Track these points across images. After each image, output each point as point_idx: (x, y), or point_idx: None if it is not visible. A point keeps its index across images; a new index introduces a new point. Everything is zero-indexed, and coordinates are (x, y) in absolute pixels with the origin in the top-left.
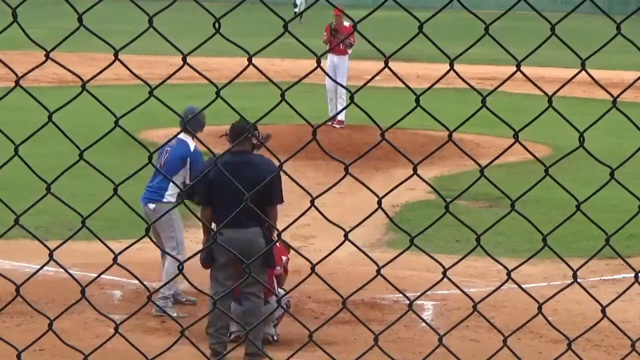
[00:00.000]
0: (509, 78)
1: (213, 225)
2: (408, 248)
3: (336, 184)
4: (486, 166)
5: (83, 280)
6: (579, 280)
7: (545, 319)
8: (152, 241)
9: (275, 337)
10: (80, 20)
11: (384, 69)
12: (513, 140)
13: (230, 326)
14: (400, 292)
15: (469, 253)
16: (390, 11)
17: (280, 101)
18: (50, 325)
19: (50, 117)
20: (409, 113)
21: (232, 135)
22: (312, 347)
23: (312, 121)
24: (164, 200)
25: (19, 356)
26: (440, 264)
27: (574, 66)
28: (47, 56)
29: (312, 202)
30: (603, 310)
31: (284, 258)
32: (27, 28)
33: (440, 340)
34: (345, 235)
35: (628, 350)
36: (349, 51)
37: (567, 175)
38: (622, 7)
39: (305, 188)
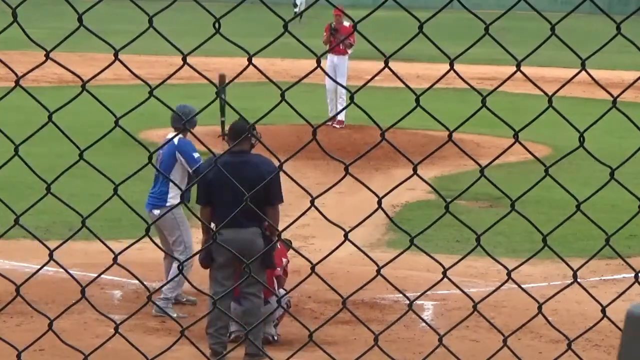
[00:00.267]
0: (509, 78)
1: (212, 225)
2: (408, 248)
3: (336, 184)
4: (486, 166)
5: (83, 280)
6: (579, 280)
7: (545, 319)
8: (154, 243)
9: (275, 337)
10: (80, 20)
11: (384, 69)
12: (513, 140)
13: (230, 326)
14: (400, 292)
15: (469, 253)
16: (390, 11)
17: (280, 101)
18: (50, 325)
19: (50, 117)
20: (409, 113)
21: (232, 135)
22: (312, 347)
23: (312, 121)
24: (167, 204)
25: (19, 356)
26: (440, 264)
27: (574, 66)
28: (47, 56)
29: (312, 202)
30: (603, 310)
31: (284, 260)
32: (27, 28)
33: (440, 340)
34: (345, 235)
35: None
36: (349, 51)
37: (567, 175)
38: (622, 7)
39: (305, 188)
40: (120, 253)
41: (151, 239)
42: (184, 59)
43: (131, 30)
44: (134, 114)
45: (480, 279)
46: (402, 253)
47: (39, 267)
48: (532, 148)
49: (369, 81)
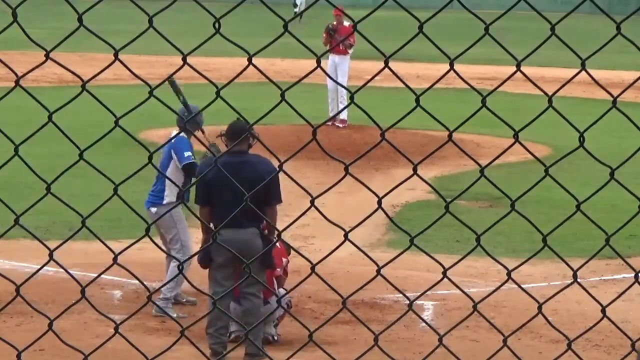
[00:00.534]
0: (509, 78)
1: (211, 225)
2: (408, 248)
3: (336, 184)
4: (486, 166)
5: (83, 280)
6: (579, 280)
7: (545, 319)
8: (154, 243)
9: (275, 337)
10: (80, 20)
11: (384, 69)
12: (513, 140)
13: (230, 326)
14: (400, 292)
15: (469, 253)
16: (390, 11)
17: (280, 101)
18: (50, 325)
19: (50, 117)
20: (409, 113)
21: (230, 135)
22: (312, 347)
23: (312, 121)
24: (164, 202)
25: (19, 356)
26: (440, 264)
27: (574, 66)
28: (47, 56)
29: (312, 202)
30: (603, 310)
31: (284, 260)
32: (27, 28)
33: (440, 340)
34: (345, 235)
35: (628, 350)
36: (350, 51)
37: (567, 175)
38: (622, 7)
39: (305, 188)
40: (120, 253)
41: (151, 239)
42: (184, 59)
43: (131, 30)
44: (134, 114)
45: (480, 279)
46: (402, 253)
47: (39, 267)
48: (532, 148)
49: (369, 81)
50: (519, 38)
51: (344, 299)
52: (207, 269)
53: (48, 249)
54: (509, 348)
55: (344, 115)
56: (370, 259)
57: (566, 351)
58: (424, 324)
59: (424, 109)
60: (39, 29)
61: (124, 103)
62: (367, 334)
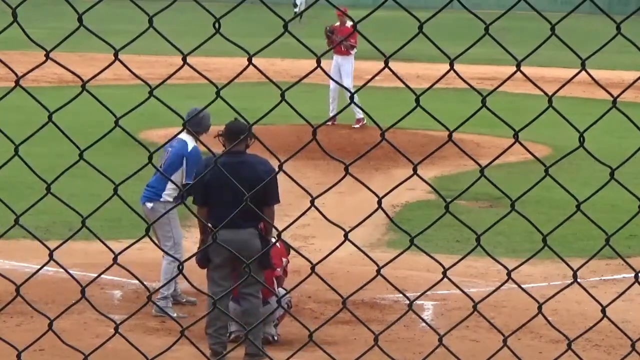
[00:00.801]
0: (509, 78)
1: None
2: (408, 248)
3: (336, 184)
4: (486, 166)
5: (83, 280)
6: (579, 280)
7: (545, 319)
8: (153, 241)
9: (275, 337)
10: (80, 20)
11: (384, 69)
12: (513, 140)
13: (230, 326)
14: (400, 292)
15: (469, 253)
16: (390, 11)
17: (280, 101)
18: (50, 325)
19: (50, 117)
20: (409, 113)
21: (228, 136)
22: (312, 347)
23: (312, 121)
24: (162, 199)
25: (19, 356)
26: (440, 264)
27: (574, 66)
28: (47, 56)
29: (312, 202)
30: (603, 310)
31: (283, 260)
32: (27, 28)
33: (440, 340)
34: (345, 235)
35: (628, 350)
36: (352, 52)
37: (567, 175)
38: (622, 7)
39: (305, 188)
40: (120, 253)
41: (151, 239)
42: (184, 59)
43: (131, 30)
44: (134, 114)
45: (480, 279)
46: (402, 253)
47: (39, 267)
48: (532, 148)
49: (369, 81)
50: (519, 38)
51: (344, 299)
52: (205, 269)
53: (48, 249)
54: (509, 348)
55: (359, 115)
56: (370, 259)
57: (566, 351)
58: (424, 324)
59: (424, 109)
60: (39, 29)
61: (124, 103)
62: (367, 334)
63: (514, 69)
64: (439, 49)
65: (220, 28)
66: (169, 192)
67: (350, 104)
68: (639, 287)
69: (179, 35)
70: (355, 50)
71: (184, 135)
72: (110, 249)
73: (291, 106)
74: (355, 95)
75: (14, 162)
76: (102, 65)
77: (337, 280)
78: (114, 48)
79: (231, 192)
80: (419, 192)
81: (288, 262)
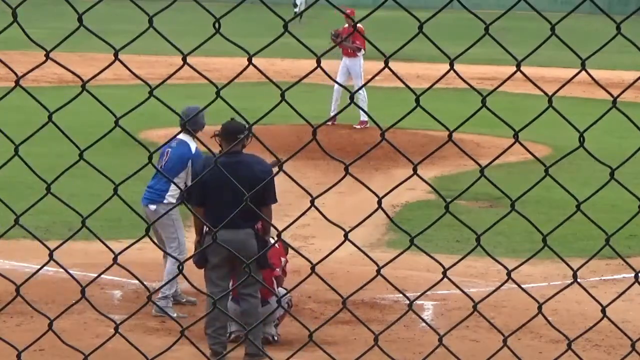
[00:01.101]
0: (509, 78)
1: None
2: (408, 248)
3: (336, 184)
4: (486, 166)
5: (83, 280)
6: (579, 280)
7: (545, 319)
8: (153, 242)
9: (275, 337)
10: (80, 20)
11: (384, 69)
12: (513, 140)
13: (230, 326)
14: (400, 292)
15: (469, 253)
16: (390, 11)
17: (280, 101)
18: (50, 325)
19: (50, 117)
20: (409, 113)
21: (225, 136)
22: (312, 347)
23: (312, 121)
24: (165, 201)
25: (19, 356)
26: (440, 264)
27: (574, 66)
28: (47, 56)
29: (312, 202)
30: (603, 310)
31: (282, 260)
32: (27, 28)
33: (440, 340)
34: (345, 235)
35: (628, 350)
36: (359, 54)
37: (567, 175)
38: (622, 7)
39: (305, 188)
40: (120, 253)
41: (151, 239)
42: (184, 59)
43: (131, 30)
44: (134, 114)
45: (480, 279)
46: (402, 253)
47: (39, 267)
48: (532, 148)
49: (369, 81)
50: (519, 38)
51: (344, 299)
52: (202, 270)
53: (48, 249)
54: (509, 348)
55: (363, 117)
56: (370, 259)
57: (566, 351)
58: (424, 324)
59: (424, 109)
60: (39, 29)
61: (124, 103)
62: (367, 334)
63: (514, 69)
64: (439, 49)
65: (220, 28)
66: (172, 194)
67: (349, 104)
68: (639, 287)
69: (179, 35)
70: (363, 51)
71: (184, 136)
72: (110, 249)
73: (291, 106)
74: (366, 98)
75: (14, 162)
76: (102, 65)
77: (337, 280)
78: (114, 48)
79: (230, 192)
80: (419, 192)
81: (287, 261)
